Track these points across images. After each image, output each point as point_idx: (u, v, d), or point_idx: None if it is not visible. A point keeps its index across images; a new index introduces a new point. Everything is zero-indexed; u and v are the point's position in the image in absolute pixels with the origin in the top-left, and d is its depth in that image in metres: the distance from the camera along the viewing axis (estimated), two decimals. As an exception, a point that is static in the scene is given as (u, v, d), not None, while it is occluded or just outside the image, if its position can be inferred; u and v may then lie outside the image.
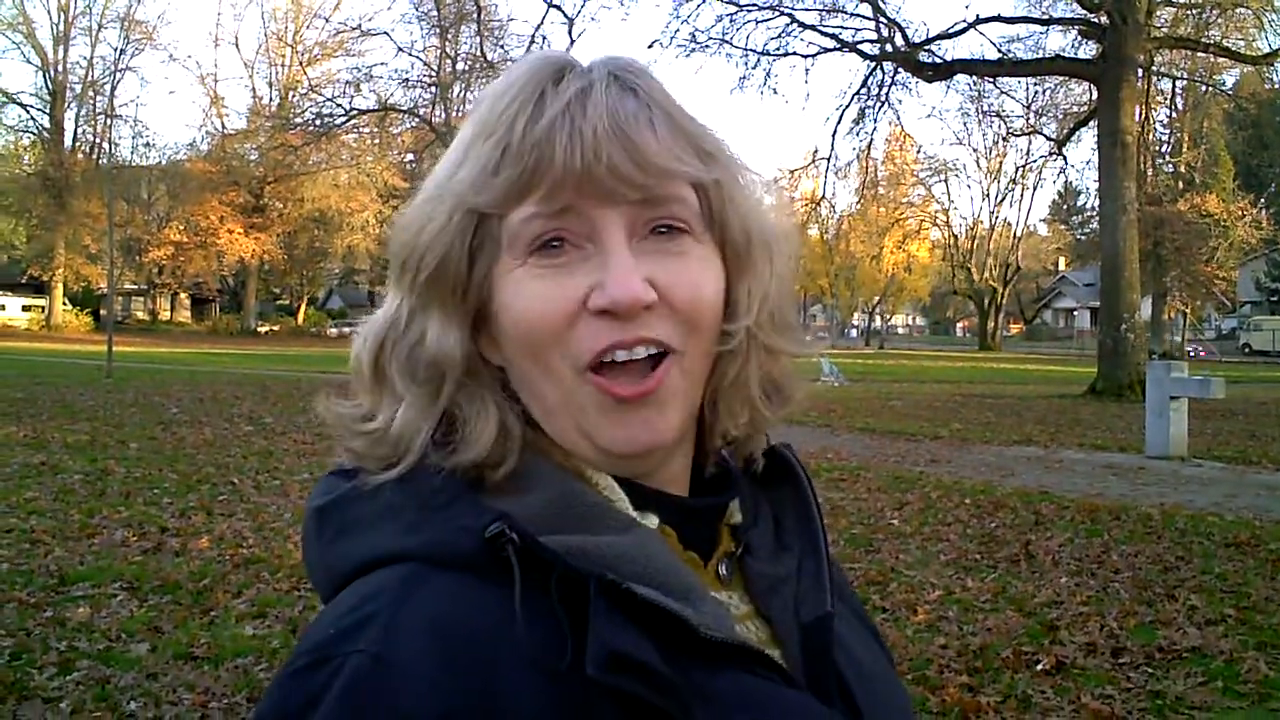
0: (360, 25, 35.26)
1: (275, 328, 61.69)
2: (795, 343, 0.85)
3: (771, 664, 0.72)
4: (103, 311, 45.86)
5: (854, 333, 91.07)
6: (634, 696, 0.63)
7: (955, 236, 71.83)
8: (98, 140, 57.78)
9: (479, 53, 30.67)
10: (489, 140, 0.72)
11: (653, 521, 0.75)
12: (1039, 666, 4.79)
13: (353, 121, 32.64)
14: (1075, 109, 36.56)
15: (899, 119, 45.17)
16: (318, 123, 33.95)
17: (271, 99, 58.22)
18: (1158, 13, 26.69)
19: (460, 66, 32.69)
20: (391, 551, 0.71)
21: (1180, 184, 52.16)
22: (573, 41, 29.82)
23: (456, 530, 0.69)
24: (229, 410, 16.70)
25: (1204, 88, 40.85)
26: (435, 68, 33.03)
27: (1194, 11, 29.07)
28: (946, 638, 5.26)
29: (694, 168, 0.74)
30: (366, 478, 0.75)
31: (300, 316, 65.17)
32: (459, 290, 0.75)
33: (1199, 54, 31.20)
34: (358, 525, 0.74)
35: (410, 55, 33.64)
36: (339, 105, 33.58)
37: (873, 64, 27.85)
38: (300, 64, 53.57)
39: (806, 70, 34.06)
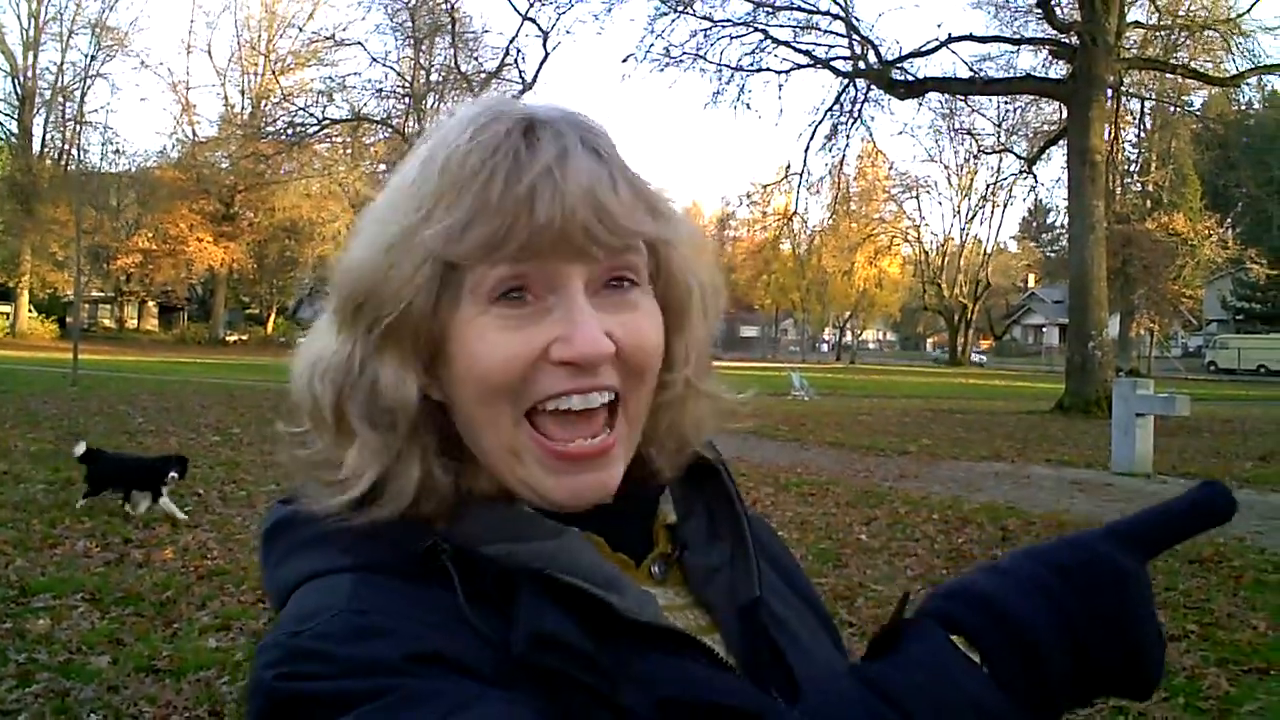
0: (334, 35, 35.15)
1: (244, 337, 61.20)
2: (722, 387, 0.92)
3: (699, 646, 0.77)
4: (69, 319, 45.44)
5: (825, 347, 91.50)
6: (563, 674, 0.68)
7: (926, 252, 72.31)
8: (67, 146, 57.20)
9: (453, 64, 30.68)
10: (463, 196, 0.74)
11: (576, 531, 0.80)
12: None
13: (325, 131, 32.56)
14: (1045, 128, 36.96)
15: (871, 135, 45.43)
16: (290, 132, 33.80)
17: (244, 107, 57.91)
18: (1127, 34, 27.01)
19: (434, 78, 32.71)
20: (334, 567, 0.76)
21: (1148, 203, 52.76)
22: (547, 54, 29.94)
23: (391, 550, 0.76)
24: (195, 420, 16.57)
25: (1172, 108, 41.42)
26: (409, 79, 32.98)
27: (1163, 33, 29.47)
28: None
29: (650, 227, 0.79)
30: (310, 504, 0.80)
31: (269, 326, 64.74)
32: (419, 337, 0.77)
33: (1167, 75, 31.62)
34: (299, 549, 0.80)
35: (384, 65, 33.55)
36: (311, 115, 33.47)
37: (846, 81, 28.02)
38: (273, 73, 53.36)
39: (780, 86, 34.44)
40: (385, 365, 0.77)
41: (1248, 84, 30.86)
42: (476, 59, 31.68)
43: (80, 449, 8.75)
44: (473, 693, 0.66)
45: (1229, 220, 52.80)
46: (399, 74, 33.86)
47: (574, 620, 0.71)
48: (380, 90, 33.35)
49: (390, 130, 33.25)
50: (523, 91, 30.16)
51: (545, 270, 0.75)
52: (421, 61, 33.52)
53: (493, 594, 0.72)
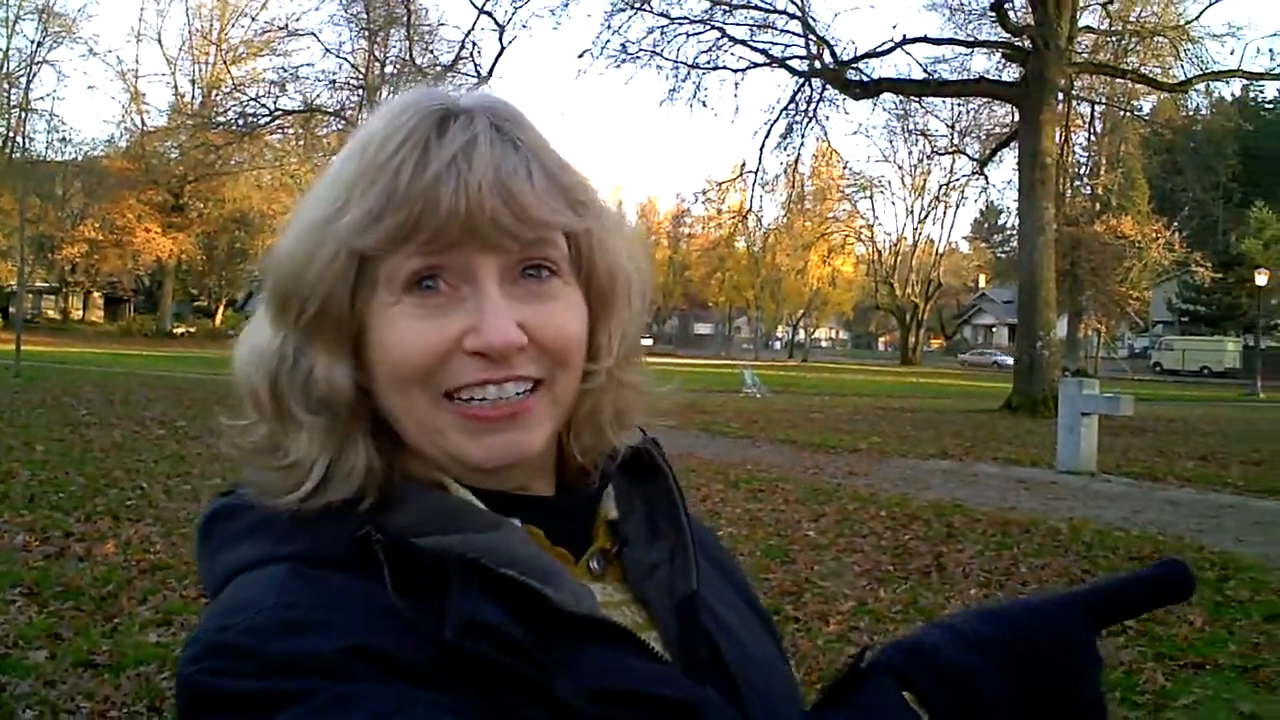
0: (287, 25, 34.89)
1: (192, 329, 60.43)
2: (647, 378, 0.92)
3: (635, 640, 0.77)
4: (11, 309, 44.60)
5: (778, 345, 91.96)
6: (497, 664, 0.68)
7: (879, 252, 72.86)
8: (11, 134, 56.20)
9: (408, 57, 30.42)
10: (374, 185, 0.74)
11: (516, 523, 0.80)
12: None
13: (277, 122, 32.19)
14: (998, 130, 37.37)
15: (826, 135, 45.64)
16: (241, 122, 33.40)
17: (194, 97, 57.09)
18: (1079, 39, 27.37)
19: (389, 70, 32.38)
20: (267, 557, 0.77)
21: (1097, 206, 53.55)
22: (503, 48, 29.77)
23: (327, 539, 0.76)
24: (140, 413, 16.35)
25: (1122, 113, 42.04)
26: (363, 70, 32.70)
27: (1114, 39, 29.91)
28: (857, 647, 5.29)
29: (567, 218, 0.78)
30: (254, 493, 0.81)
31: (219, 319, 63.97)
32: (342, 327, 0.78)
33: (1118, 80, 32.10)
34: (236, 538, 0.81)
35: (338, 57, 33.23)
36: (263, 105, 33.04)
37: (801, 80, 28.16)
38: (224, 62, 52.76)
39: (736, 84, 34.56)
40: (316, 355, 0.78)
41: (1195, 90, 31.39)
42: (432, 52, 31.44)
43: None
44: (403, 699, 0.66)
45: (1175, 224, 53.72)
46: (353, 65, 33.60)
47: (508, 611, 0.71)
48: (334, 81, 33.07)
49: (344, 122, 32.93)
50: (478, 84, 29.98)
51: (457, 260, 0.75)
52: (376, 53, 33.24)
53: (425, 585, 0.71)
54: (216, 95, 51.25)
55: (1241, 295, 58.61)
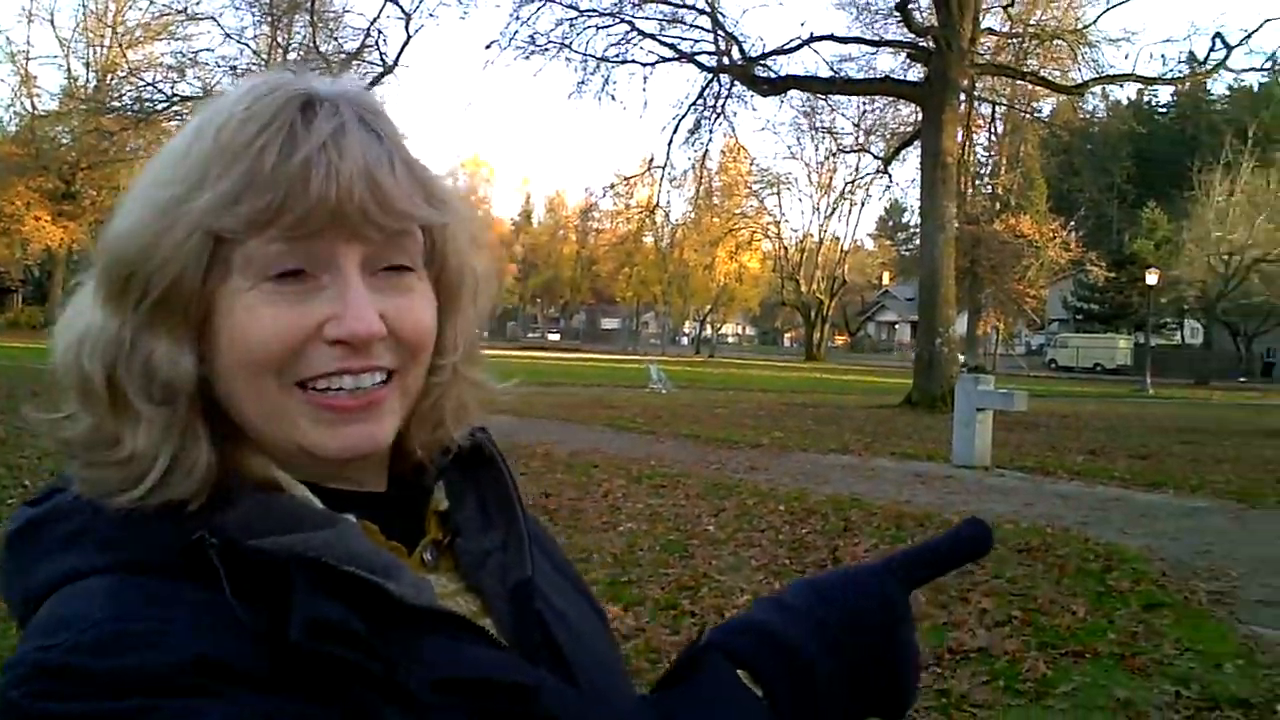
0: (186, 9, 33.79)
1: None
2: (488, 374, 0.94)
3: (475, 628, 0.78)
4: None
5: (685, 340, 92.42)
6: (342, 663, 0.67)
7: (786, 248, 73.63)
8: (-109, 116, 53.95)
9: (312, 44, 29.84)
10: (233, 166, 0.73)
11: (351, 519, 0.79)
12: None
13: (175, 109, 31.27)
14: (902, 129, 37.92)
15: (734, 131, 46.07)
16: (136, 108, 32.42)
17: (88, 81, 55.30)
18: (981, 40, 27.93)
19: (292, 57, 31.74)
20: (90, 567, 0.72)
21: (997, 205, 54.76)
22: (409, 37, 29.38)
23: (156, 544, 0.72)
24: (21, 408, 15.78)
25: (1022, 114, 43.04)
26: (265, 57, 31.95)
27: (1015, 41, 30.61)
28: (750, 641, 5.33)
29: (426, 212, 0.80)
30: (62, 502, 0.77)
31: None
32: (190, 312, 0.75)
33: (1018, 81, 32.86)
34: (53, 548, 0.75)
35: (239, 42, 32.35)
36: (160, 91, 32.12)
37: (710, 76, 28.29)
38: (120, 46, 51.10)
39: (645, 79, 34.49)
40: (158, 340, 0.75)
41: (1092, 93, 32.26)
42: (337, 39, 30.86)
43: None
44: (247, 711, 0.65)
45: (1072, 224, 55.21)
46: (255, 52, 32.76)
47: (350, 608, 0.70)
48: (235, 68, 32.19)
49: (244, 110, 32.18)
50: (383, 74, 29.61)
51: (320, 248, 0.74)
52: (279, 40, 32.52)
53: (263, 588, 0.69)
54: (112, 79, 49.57)
55: (1133, 294, 60.44)
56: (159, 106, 32.34)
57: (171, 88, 32.80)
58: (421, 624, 0.74)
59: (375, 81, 30.78)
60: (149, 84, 34.14)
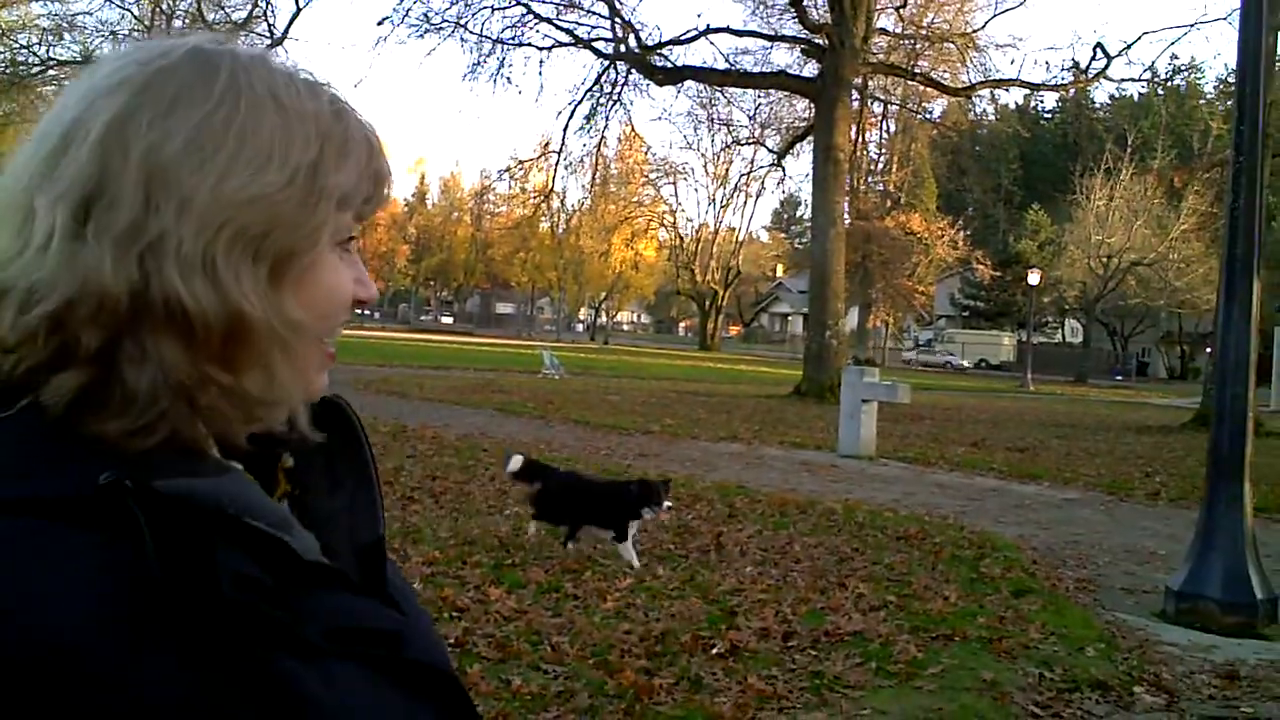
0: (66, -30, 32.54)
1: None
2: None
3: (348, 580, 0.80)
4: None
5: (580, 327, 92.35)
6: (257, 616, 0.67)
7: (681, 238, 74.00)
8: None
9: (196, 11, 28.98)
10: (351, 150, 0.82)
11: (239, 467, 0.82)
12: (714, 650, 4.96)
13: (51, 73, 30.07)
14: (797, 124, 38.34)
15: (630, 119, 46.01)
16: (8, 70, 31.10)
17: (-40, 41, 53.06)
18: (874, 40, 28.41)
19: (176, 24, 30.75)
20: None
21: (888, 202, 55.81)
22: (299, 9, 28.78)
23: (60, 480, 0.69)
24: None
25: (914, 114, 43.94)
26: (148, 24, 30.90)
27: (907, 42, 31.18)
28: (631, 624, 5.36)
29: None
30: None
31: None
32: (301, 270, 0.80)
33: (909, 82, 33.49)
34: None
35: (120, 7, 31.26)
36: (34, 54, 30.86)
37: (606, 63, 28.27)
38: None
39: (541, 63, 34.27)
40: (284, 297, 0.78)
41: (980, 96, 33.07)
42: (223, 8, 29.98)
43: (515, 463, 7.25)
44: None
45: (960, 223, 56.51)
46: (136, 17, 31.65)
47: (260, 564, 0.70)
48: (115, 33, 31.03)
49: (128, 78, 31.06)
50: (272, 46, 28.80)
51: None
52: (162, 6, 31.47)
53: (172, 540, 0.66)
54: (-15, 41, 47.69)
55: (1017, 293, 62.20)
56: (33, 70, 31.08)
57: (47, 51, 31.52)
58: (310, 577, 0.75)
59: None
60: (23, 47, 32.74)
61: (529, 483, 7.24)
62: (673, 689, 4.44)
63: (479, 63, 28.29)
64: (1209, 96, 70.16)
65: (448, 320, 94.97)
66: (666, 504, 6.88)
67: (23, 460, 0.70)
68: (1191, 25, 29.17)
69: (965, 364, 66.47)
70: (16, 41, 32.86)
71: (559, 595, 5.89)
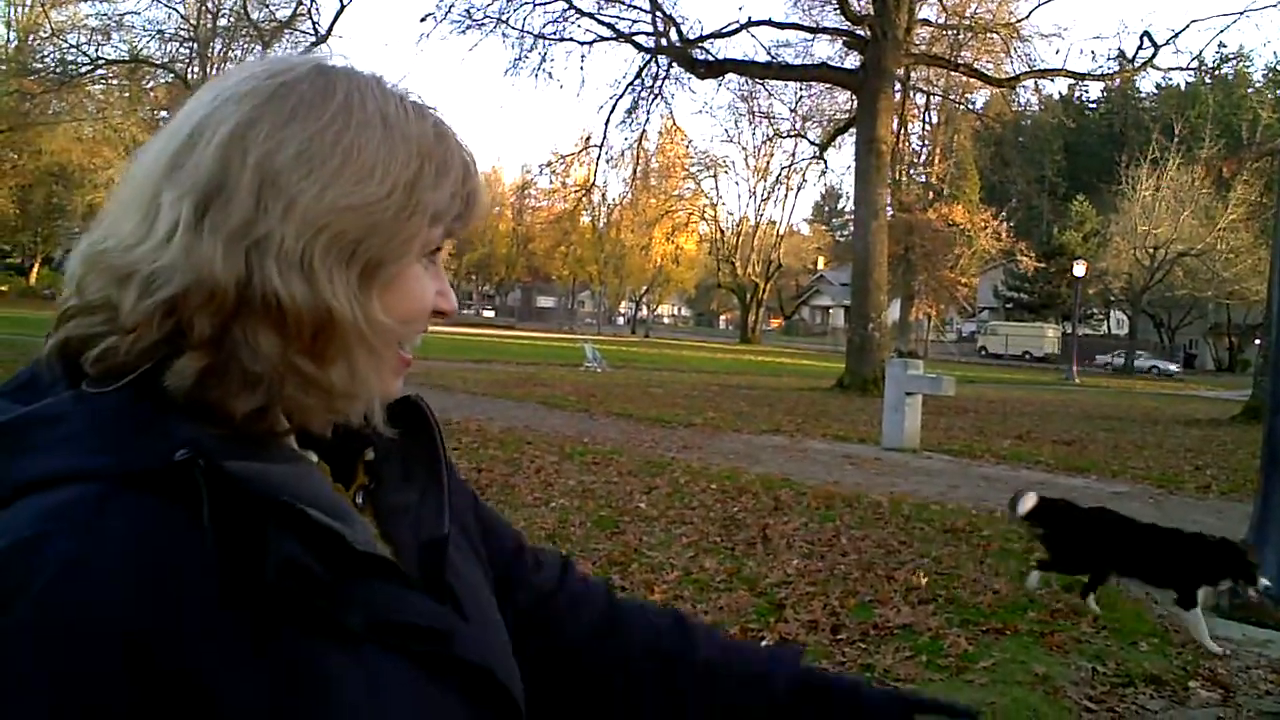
0: (113, -30, 32.95)
1: (3, 288, 57.14)
2: None
3: (400, 573, 0.83)
4: None
5: (621, 320, 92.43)
6: (303, 602, 0.73)
7: (722, 231, 73.81)
8: None
9: (242, 10, 29.26)
10: (449, 170, 0.86)
11: (313, 457, 0.88)
12: (763, 643, 4.96)
13: (100, 72, 30.49)
14: (839, 116, 38.13)
15: (671, 112, 45.94)
16: (59, 70, 31.54)
17: (9, 41, 53.51)
18: (917, 31, 28.18)
19: (221, 23, 31.07)
20: (75, 469, 0.72)
21: (930, 194, 55.38)
22: (343, 6, 29.04)
23: (146, 453, 0.73)
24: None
25: (956, 105, 43.53)
26: (193, 22, 31.23)
27: (950, 33, 30.87)
28: (679, 616, 5.36)
29: None
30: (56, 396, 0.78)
31: (33, 277, 60.61)
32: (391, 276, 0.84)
33: (952, 73, 33.16)
34: (34, 447, 0.74)
35: (167, 6, 31.58)
36: (84, 53, 31.29)
37: (648, 56, 28.23)
38: (43, 6, 49.64)
39: (583, 57, 34.36)
40: (371, 300, 0.82)
41: (1024, 86, 32.67)
42: (268, 6, 30.24)
43: (1028, 503, 6.26)
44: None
45: (1003, 214, 55.95)
46: (183, 16, 32.01)
47: (313, 552, 0.75)
48: (162, 32, 31.49)
49: (173, 75, 31.47)
50: (315, 43, 29.16)
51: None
52: (209, 5, 31.80)
53: (232, 519, 0.72)
54: (33, 40, 48.17)
55: (1061, 284, 61.58)
56: (82, 69, 31.53)
57: (96, 50, 31.99)
58: (363, 567, 0.79)
59: (307, 51, 30.27)
60: (72, 46, 33.27)
61: (1044, 527, 6.24)
62: (723, 681, 4.44)
63: (521, 58, 28.35)
64: (1258, 85, 69.08)
65: (489, 314, 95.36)
66: (1264, 582, 5.46)
67: (116, 434, 0.75)
68: (1242, 12, 28.51)
69: (999, 353, 65.87)
70: (66, 41, 33.40)
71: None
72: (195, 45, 32.26)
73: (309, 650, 0.74)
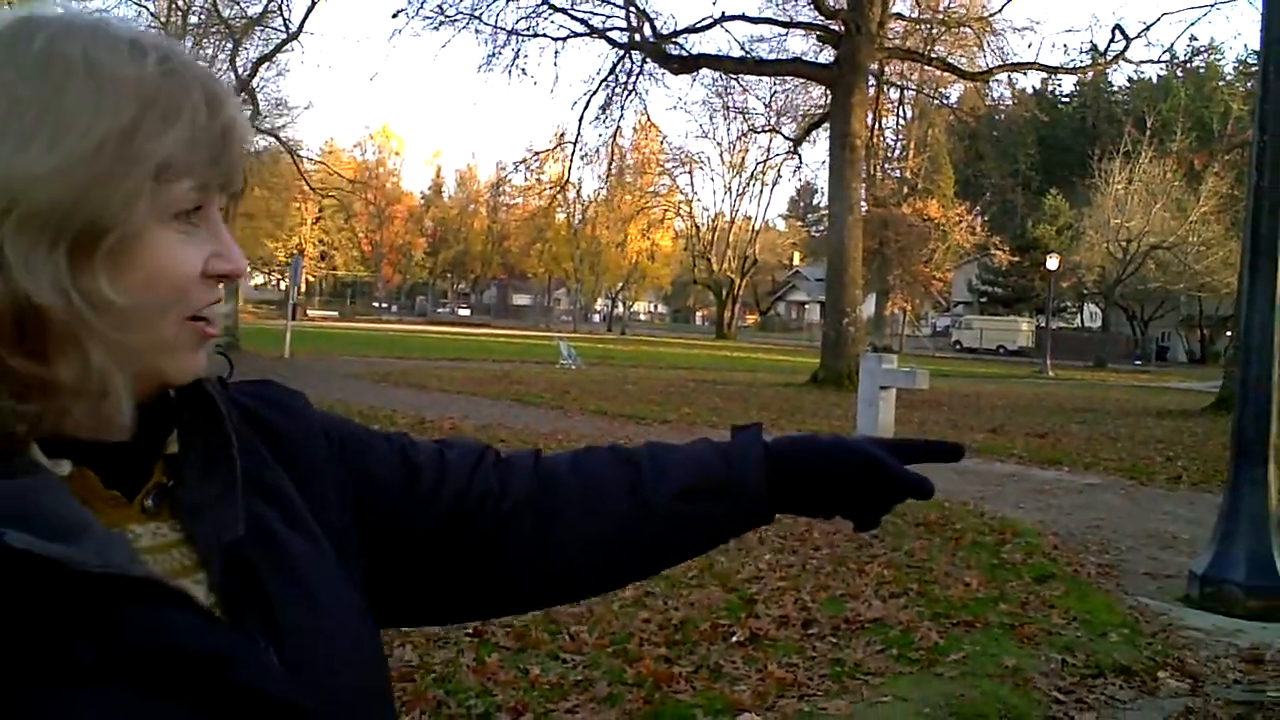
0: (82, -33, 32.58)
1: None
2: None
3: (171, 591, 0.71)
4: None
5: (597, 318, 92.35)
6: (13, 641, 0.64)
7: (698, 227, 73.76)
8: None
9: (213, 7, 29.05)
10: (173, 115, 0.75)
11: (65, 467, 0.74)
12: (734, 638, 4.94)
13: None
14: (813, 110, 38.16)
15: (646, 108, 45.90)
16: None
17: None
18: (890, 25, 28.24)
19: (192, 20, 30.80)
20: None
21: (905, 188, 55.52)
22: (314, 2, 28.76)
23: None
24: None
25: (930, 99, 43.68)
26: (164, 20, 30.95)
27: (923, 27, 30.95)
28: (650, 612, 5.35)
29: None
30: None
31: None
32: (116, 247, 0.74)
33: (926, 67, 33.28)
34: None
35: (137, 5, 31.19)
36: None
37: (622, 52, 28.17)
38: (9, 4, 49.27)
39: (556, 53, 34.12)
40: (95, 279, 0.72)
41: (998, 80, 32.83)
42: (239, 3, 30.02)
43: None
44: None
45: (977, 209, 56.19)
46: (153, 14, 31.70)
47: (34, 581, 0.64)
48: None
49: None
50: (287, 40, 28.98)
51: (212, 198, 0.80)
52: (179, 2, 31.50)
53: None
54: None
55: (1035, 278, 61.83)
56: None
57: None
58: (108, 589, 0.67)
59: (279, 48, 30.11)
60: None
61: None
62: (692, 677, 4.42)
63: (494, 54, 28.19)
64: (1229, 78, 69.54)
65: (465, 312, 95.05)
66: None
67: None
68: (1212, 5, 28.73)
69: (973, 346, 66.29)
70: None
71: (577, 584, 5.88)
72: (165, 42, 31.98)
73: (16, 699, 0.63)
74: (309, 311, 66.08)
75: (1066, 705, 4.39)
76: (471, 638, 4.75)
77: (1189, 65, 61.22)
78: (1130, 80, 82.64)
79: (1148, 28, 28.86)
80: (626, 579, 1.15)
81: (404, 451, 1.01)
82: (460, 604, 1.07)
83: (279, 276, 69.19)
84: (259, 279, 75.65)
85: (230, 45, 29.73)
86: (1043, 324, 57.26)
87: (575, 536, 1.05)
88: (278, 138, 33.90)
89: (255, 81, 30.48)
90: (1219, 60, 69.21)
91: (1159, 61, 35.13)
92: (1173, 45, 74.90)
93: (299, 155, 36.09)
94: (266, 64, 31.23)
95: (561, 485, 1.06)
